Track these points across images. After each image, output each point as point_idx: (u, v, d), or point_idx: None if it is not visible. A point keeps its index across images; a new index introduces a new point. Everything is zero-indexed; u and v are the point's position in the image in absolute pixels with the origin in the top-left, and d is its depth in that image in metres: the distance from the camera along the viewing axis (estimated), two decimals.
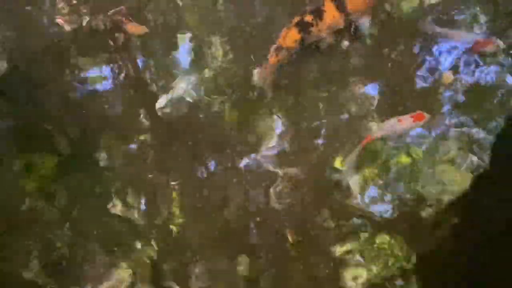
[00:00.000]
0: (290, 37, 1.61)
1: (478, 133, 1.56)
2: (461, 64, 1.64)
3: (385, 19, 1.74)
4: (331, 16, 1.61)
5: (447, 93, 1.63)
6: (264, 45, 1.67)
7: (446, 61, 1.66)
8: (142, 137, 1.72)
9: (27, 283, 1.56)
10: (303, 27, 1.60)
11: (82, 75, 1.81)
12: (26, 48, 1.80)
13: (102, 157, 1.72)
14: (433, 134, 1.60)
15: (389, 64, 1.73)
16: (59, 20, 1.85)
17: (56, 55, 1.85)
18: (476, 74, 1.62)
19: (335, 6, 1.60)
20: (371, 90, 1.71)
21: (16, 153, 1.73)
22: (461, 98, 1.62)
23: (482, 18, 1.71)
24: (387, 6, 1.75)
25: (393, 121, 1.59)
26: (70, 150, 1.75)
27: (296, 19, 1.61)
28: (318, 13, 1.60)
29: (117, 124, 1.75)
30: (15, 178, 1.70)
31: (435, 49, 1.66)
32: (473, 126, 1.57)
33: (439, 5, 1.67)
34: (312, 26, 1.60)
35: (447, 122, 1.59)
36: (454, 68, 1.64)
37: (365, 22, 1.70)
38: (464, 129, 1.58)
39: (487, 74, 1.61)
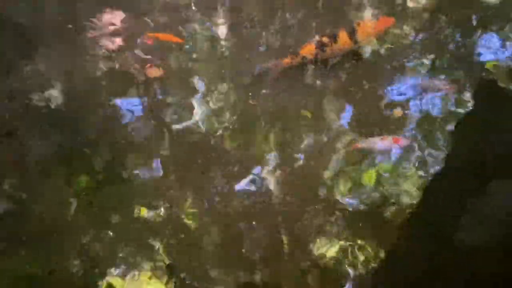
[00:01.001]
0: (308, 48, 2.14)
1: (429, 153, 1.96)
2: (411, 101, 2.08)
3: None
4: (343, 41, 2.13)
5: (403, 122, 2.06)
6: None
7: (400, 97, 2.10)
8: (162, 156, 2.14)
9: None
10: (320, 44, 2.11)
11: (115, 106, 2.28)
12: (74, 84, 2.29)
13: (129, 174, 2.14)
14: (395, 153, 2.00)
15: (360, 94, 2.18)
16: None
17: (95, 91, 2.33)
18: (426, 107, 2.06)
19: (348, 34, 2.12)
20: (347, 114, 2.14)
21: (61, 172, 2.16)
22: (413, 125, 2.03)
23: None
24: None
25: (377, 138, 2.01)
26: (103, 169, 2.18)
27: (317, 37, 2.14)
28: (334, 38, 2.13)
29: (142, 146, 2.19)
30: (60, 192, 2.11)
31: (392, 87, 2.11)
32: (425, 147, 1.97)
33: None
34: (327, 46, 2.11)
35: (406, 143, 2.00)
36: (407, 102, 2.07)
37: (368, 49, 2.24)
38: (418, 151, 1.97)
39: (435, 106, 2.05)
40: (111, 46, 2.38)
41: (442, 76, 2.13)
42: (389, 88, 2.12)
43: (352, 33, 2.16)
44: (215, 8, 2.53)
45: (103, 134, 2.25)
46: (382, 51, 2.24)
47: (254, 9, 2.51)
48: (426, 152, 1.95)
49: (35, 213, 2.02)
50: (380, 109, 2.11)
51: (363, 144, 2.01)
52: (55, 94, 2.30)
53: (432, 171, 1.91)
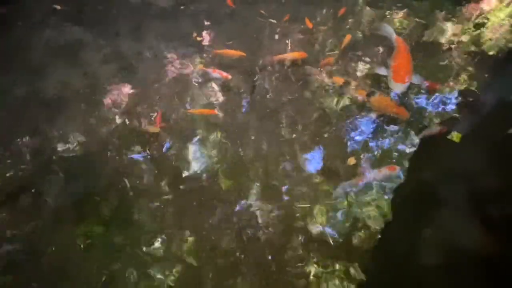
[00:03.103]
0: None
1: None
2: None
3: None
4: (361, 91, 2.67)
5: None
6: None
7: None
8: (164, 198, 2.46)
9: None
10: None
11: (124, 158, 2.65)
12: (90, 141, 2.69)
13: (136, 215, 2.41)
14: (361, 184, 2.42)
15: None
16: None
17: (108, 145, 2.72)
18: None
19: (366, 93, 2.67)
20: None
21: (73, 217, 2.40)
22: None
23: None
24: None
25: (376, 170, 2.38)
26: (110, 213, 2.44)
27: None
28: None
29: (147, 190, 2.50)
30: (72, 235, 2.33)
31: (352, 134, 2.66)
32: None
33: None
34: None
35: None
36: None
37: (372, 116, 2.65)
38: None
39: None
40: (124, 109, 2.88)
41: None
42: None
43: (368, 95, 2.67)
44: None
45: (113, 183, 2.57)
46: None
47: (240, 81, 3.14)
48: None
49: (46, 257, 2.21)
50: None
51: (365, 179, 2.40)
52: (72, 151, 2.67)
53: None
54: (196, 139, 2.72)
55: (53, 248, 2.27)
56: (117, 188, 2.53)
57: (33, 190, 2.46)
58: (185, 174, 2.55)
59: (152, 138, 2.73)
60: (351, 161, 2.47)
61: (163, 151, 2.66)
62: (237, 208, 2.38)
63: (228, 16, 3.57)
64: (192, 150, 2.65)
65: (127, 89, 3.04)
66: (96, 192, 2.51)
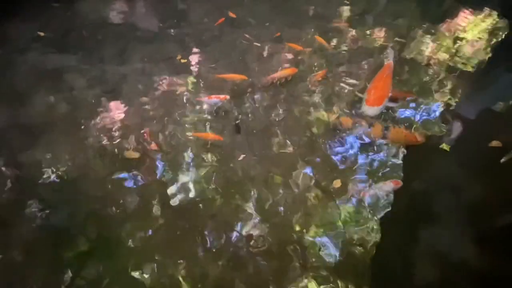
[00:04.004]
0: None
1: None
2: None
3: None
4: (376, 131, 2.60)
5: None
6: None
7: None
8: (153, 224, 2.33)
9: None
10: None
11: (108, 184, 2.53)
12: (71, 166, 2.56)
13: (124, 240, 2.25)
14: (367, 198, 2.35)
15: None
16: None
17: (88, 169, 2.59)
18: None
19: (382, 128, 2.59)
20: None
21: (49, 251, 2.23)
22: None
23: None
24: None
25: (380, 184, 2.34)
26: (90, 245, 2.28)
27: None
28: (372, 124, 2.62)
29: (134, 216, 2.37)
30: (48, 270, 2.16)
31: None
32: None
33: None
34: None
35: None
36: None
37: (388, 148, 2.56)
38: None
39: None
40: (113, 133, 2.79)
41: None
42: None
43: (385, 130, 2.59)
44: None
45: (102, 207, 2.43)
46: None
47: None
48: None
49: None
50: None
51: (371, 191, 2.34)
52: (53, 178, 2.54)
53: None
54: (185, 161, 2.65)
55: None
56: (99, 217, 2.40)
57: (8, 222, 2.31)
58: (174, 198, 2.44)
59: (138, 163, 2.64)
60: (337, 183, 2.42)
61: (152, 174, 2.57)
62: (230, 232, 2.28)
63: (213, 39, 3.63)
64: (182, 173, 2.57)
65: (112, 113, 2.98)
66: (76, 223, 2.37)
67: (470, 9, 3.90)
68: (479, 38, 3.52)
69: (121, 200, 2.43)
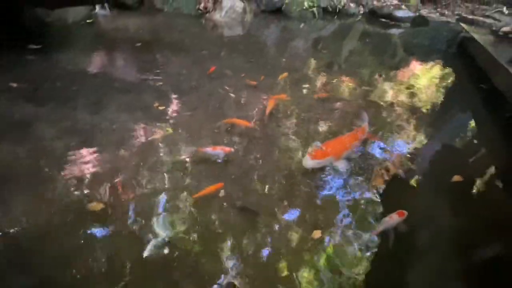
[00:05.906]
0: None
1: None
2: None
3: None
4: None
5: None
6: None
7: None
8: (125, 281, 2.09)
9: None
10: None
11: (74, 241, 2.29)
12: (31, 224, 2.30)
13: None
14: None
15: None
16: None
17: (50, 226, 2.35)
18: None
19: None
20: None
21: None
22: None
23: None
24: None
25: (387, 218, 2.26)
26: None
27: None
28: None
29: (104, 275, 2.12)
30: None
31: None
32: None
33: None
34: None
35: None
36: None
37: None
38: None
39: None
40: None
41: None
42: None
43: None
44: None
45: (61, 271, 2.16)
46: None
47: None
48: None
49: None
50: None
51: (380, 229, 2.25)
52: (8, 238, 2.25)
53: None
54: (161, 209, 2.51)
55: None
56: (62, 280, 2.11)
57: None
58: (149, 250, 2.24)
59: (106, 215, 2.45)
60: (316, 234, 2.32)
61: (122, 227, 2.38)
62: (212, 282, 2.10)
63: (191, 89, 3.76)
64: (157, 222, 2.42)
65: (82, 164, 2.84)
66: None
67: (419, 61, 4.48)
68: (429, 84, 3.99)
69: (85, 260, 2.18)
